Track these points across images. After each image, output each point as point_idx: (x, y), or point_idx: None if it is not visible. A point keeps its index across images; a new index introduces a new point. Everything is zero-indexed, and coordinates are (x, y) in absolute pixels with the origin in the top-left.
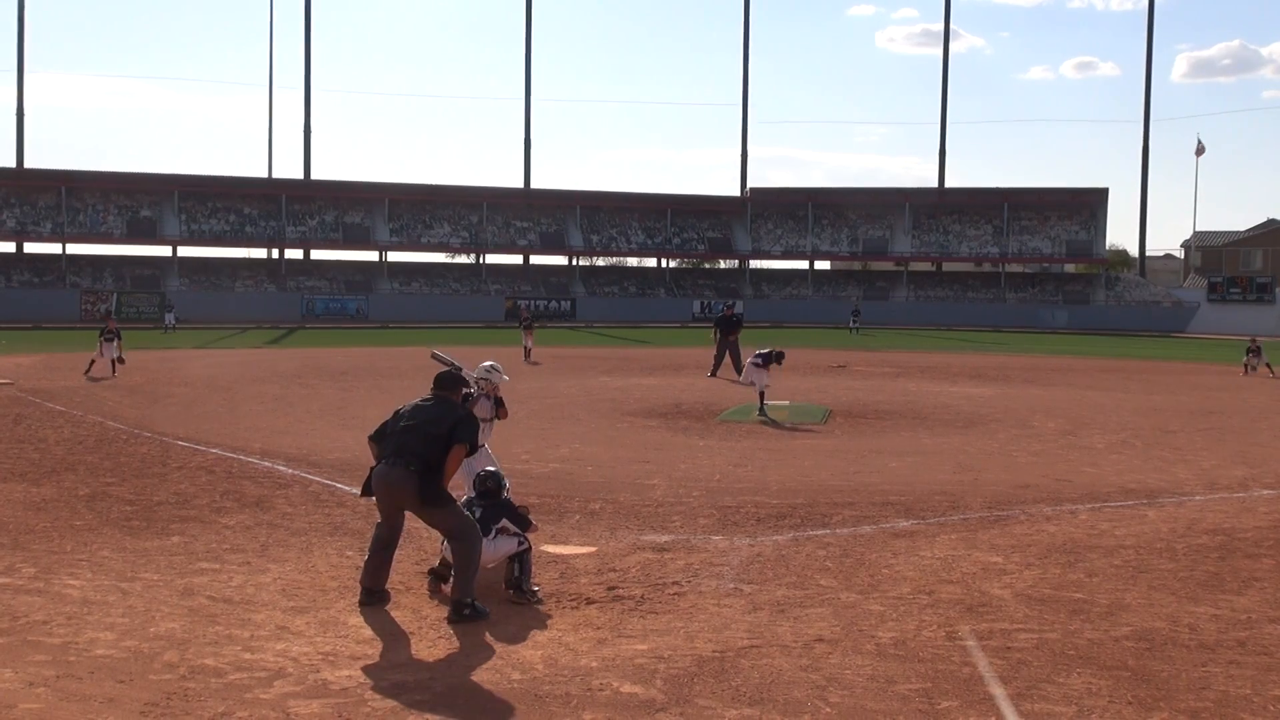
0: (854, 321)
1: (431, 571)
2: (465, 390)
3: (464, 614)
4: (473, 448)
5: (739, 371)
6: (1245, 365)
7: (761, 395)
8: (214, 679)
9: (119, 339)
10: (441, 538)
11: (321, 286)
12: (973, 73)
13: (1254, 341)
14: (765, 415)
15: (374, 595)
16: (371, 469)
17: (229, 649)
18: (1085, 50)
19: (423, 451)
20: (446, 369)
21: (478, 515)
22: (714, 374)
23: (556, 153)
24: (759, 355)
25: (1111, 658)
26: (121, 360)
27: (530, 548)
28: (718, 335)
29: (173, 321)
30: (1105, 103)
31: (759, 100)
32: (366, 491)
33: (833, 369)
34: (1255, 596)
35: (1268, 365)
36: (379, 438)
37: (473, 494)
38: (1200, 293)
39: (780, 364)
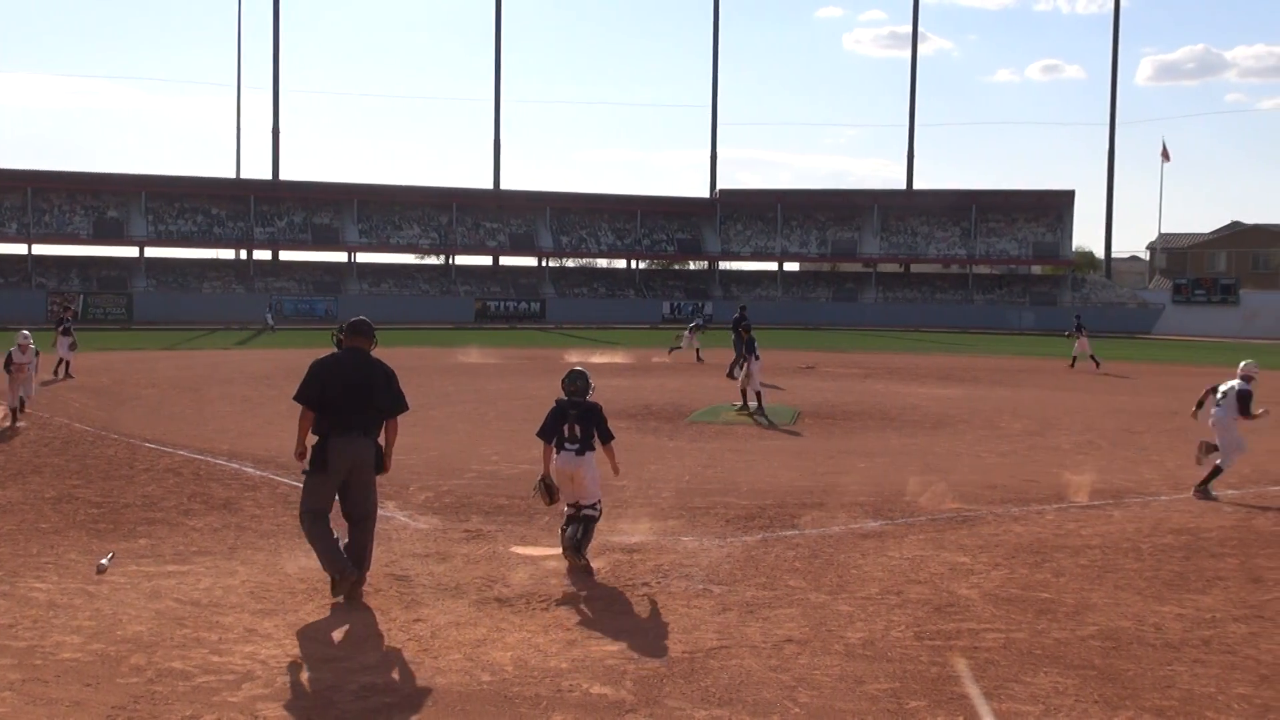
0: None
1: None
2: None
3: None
4: (406, 407)
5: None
6: (1087, 356)
7: (759, 395)
8: (182, 682)
9: (73, 335)
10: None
11: (290, 288)
12: (940, 75)
13: (1077, 319)
14: (765, 416)
15: (347, 582)
16: (318, 442)
17: (197, 652)
18: (1051, 53)
19: (374, 420)
20: (359, 317)
21: (574, 418)
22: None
23: (526, 154)
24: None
25: (1078, 657)
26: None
27: (600, 516)
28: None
29: (272, 320)
30: (1071, 105)
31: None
32: (318, 467)
33: (801, 370)
34: (1219, 596)
35: (1092, 356)
36: (321, 402)
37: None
38: (1165, 294)
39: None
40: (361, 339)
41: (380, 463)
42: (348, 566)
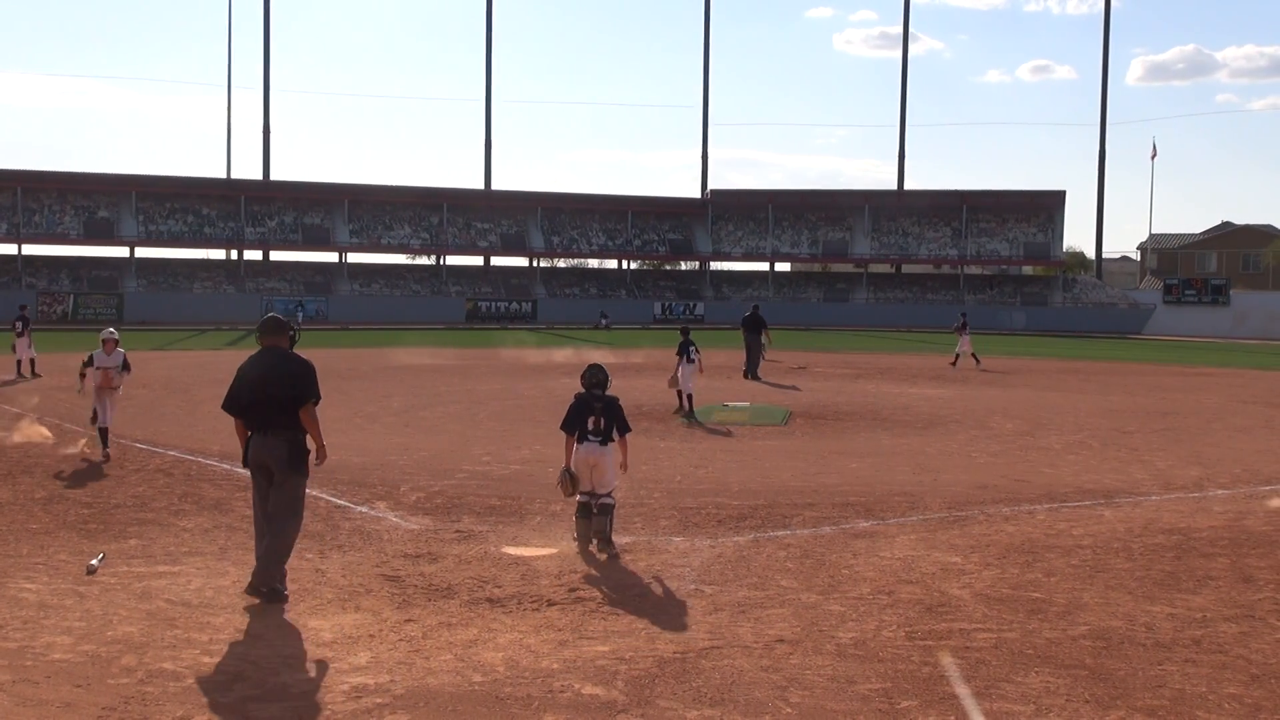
0: None
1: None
2: (291, 334)
3: (261, 592)
4: (317, 397)
5: (750, 371)
6: (967, 354)
7: (690, 399)
8: (173, 683)
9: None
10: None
11: (281, 288)
12: (931, 75)
13: (963, 316)
14: (694, 418)
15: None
16: (248, 440)
17: (188, 652)
18: (1042, 54)
19: (283, 417)
20: (271, 315)
21: (599, 411)
22: (748, 375)
23: (517, 154)
24: (694, 353)
25: (1069, 657)
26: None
27: (614, 504)
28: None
29: (302, 319)
30: (1062, 106)
31: (719, 102)
32: (247, 463)
33: (793, 370)
34: (1210, 595)
35: (971, 354)
36: (236, 407)
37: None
38: (1156, 294)
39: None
40: (275, 337)
41: (293, 458)
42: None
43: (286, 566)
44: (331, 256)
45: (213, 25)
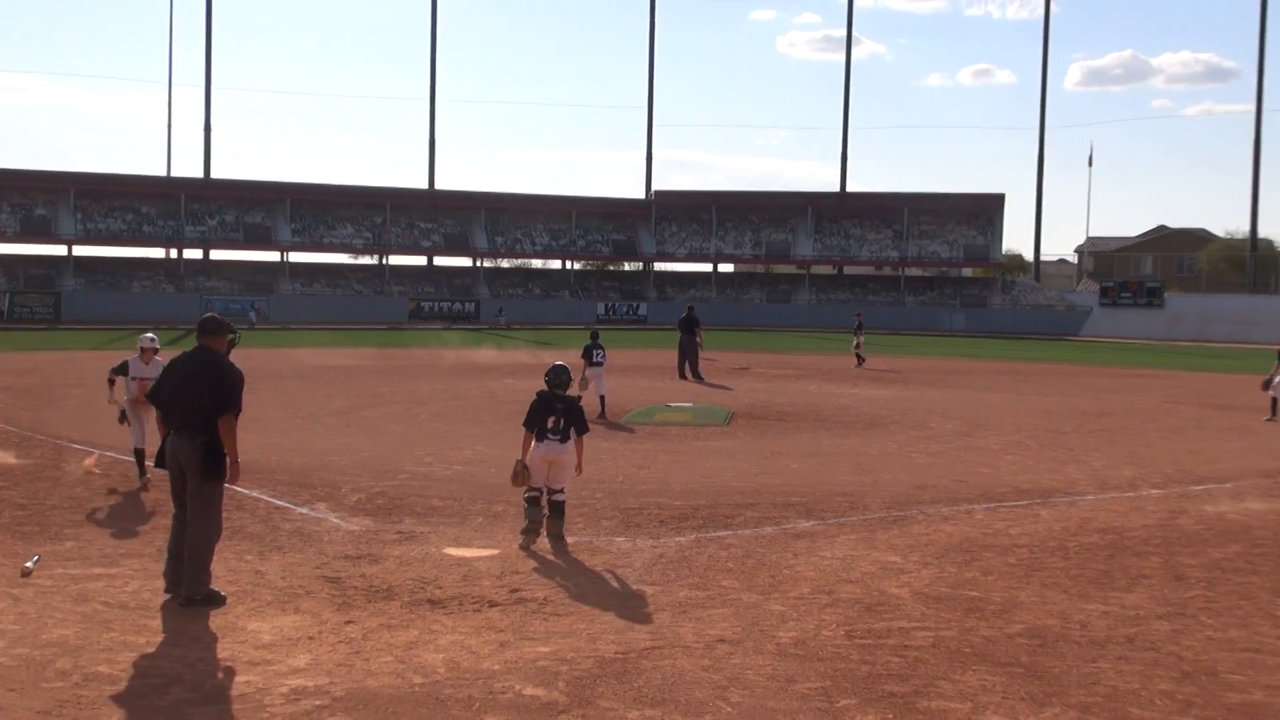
0: None
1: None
2: (230, 335)
3: (197, 601)
4: (238, 409)
5: (689, 371)
6: (857, 353)
7: (602, 399)
8: (108, 686)
9: None
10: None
11: (221, 287)
12: (873, 78)
13: (858, 317)
14: (604, 418)
15: (178, 584)
16: (165, 438)
17: (124, 655)
18: (982, 58)
19: (200, 420)
20: (211, 314)
21: (560, 411)
22: (681, 375)
23: (461, 154)
24: (599, 355)
25: (1005, 654)
26: None
27: (565, 500)
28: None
29: (255, 318)
30: (1002, 110)
31: (663, 103)
32: (160, 463)
33: (735, 371)
34: (1143, 594)
35: (857, 353)
36: (159, 401)
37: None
38: (1093, 297)
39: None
40: (210, 337)
41: (207, 463)
42: (169, 580)
43: (229, 567)
44: (273, 256)
45: (154, 22)
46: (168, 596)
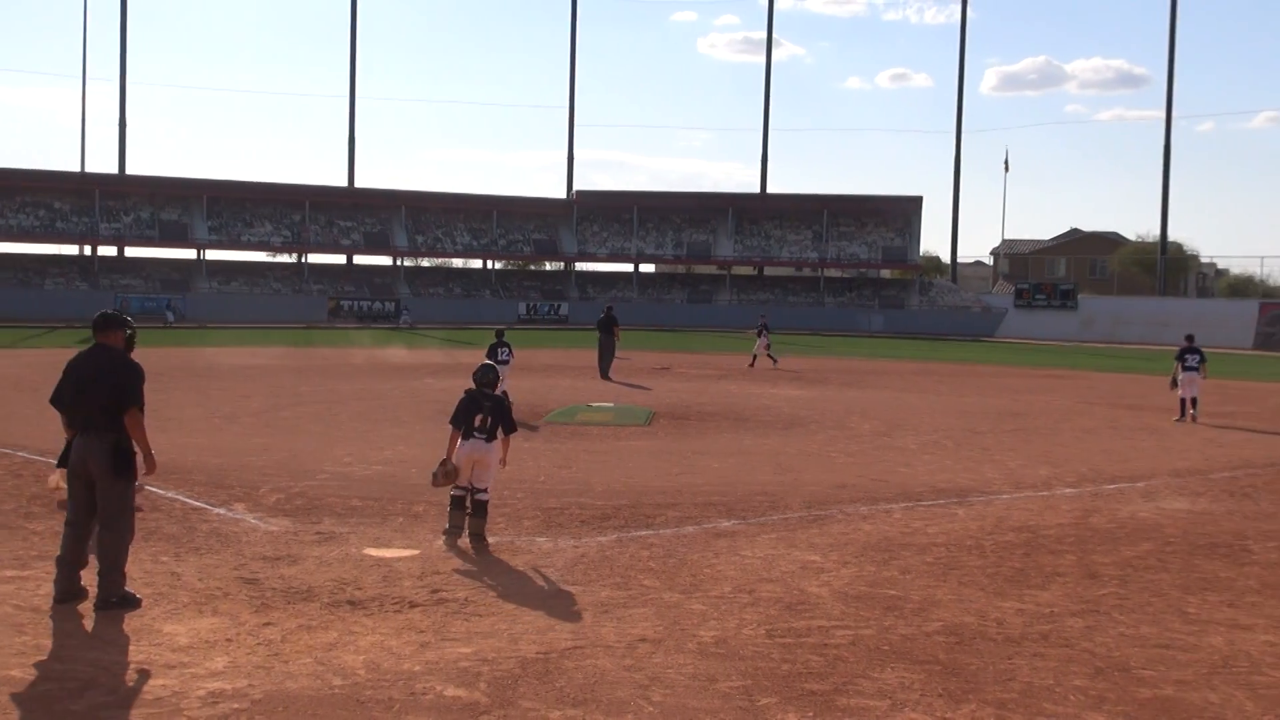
0: None
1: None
2: (128, 331)
3: (112, 604)
4: (140, 403)
5: (604, 371)
6: (760, 354)
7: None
8: (20, 690)
9: None
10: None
11: (136, 285)
12: (793, 81)
13: (762, 318)
14: None
15: (72, 595)
16: (70, 440)
17: (37, 659)
18: (900, 62)
19: (105, 418)
20: (104, 311)
21: (488, 409)
22: (603, 376)
23: (382, 152)
24: (505, 355)
25: (923, 652)
26: None
27: (489, 499)
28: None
29: (172, 317)
30: (919, 113)
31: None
32: (64, 463)
33: (656, 371)
34: (1058, 591)
35: (768, 353)
36: (62, 404)
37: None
38: (1008, 299)
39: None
40: (106, 334)
41: (117, 463)
42: (60, 589)
43: (145, 570)
44: (189, 253)
45: (68, 14)
46: (61, 605)
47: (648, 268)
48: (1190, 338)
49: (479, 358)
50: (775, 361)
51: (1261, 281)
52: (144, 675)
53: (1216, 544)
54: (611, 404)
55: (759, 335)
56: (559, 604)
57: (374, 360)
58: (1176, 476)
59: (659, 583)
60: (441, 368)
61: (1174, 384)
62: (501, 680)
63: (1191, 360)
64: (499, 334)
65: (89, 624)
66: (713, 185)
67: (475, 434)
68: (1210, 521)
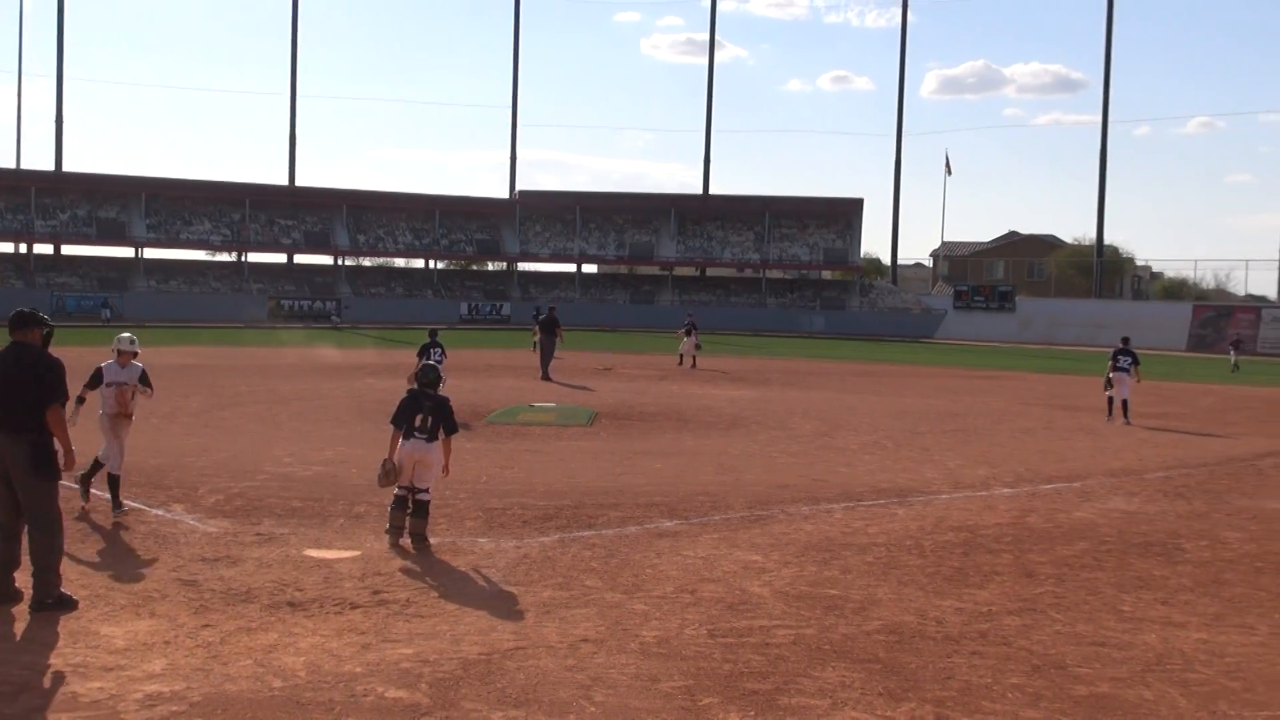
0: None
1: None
2: (45, 330)
3: (47, 605)
4: (63, 399)
5: (545, 372)
6: (685, 354)
7: None
8: None
9: None
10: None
11: (73, 283)
12: (735, 82)
13: (689, 318)
14: None
15: (6, 597)
16: None
17: None
18: (841, 64)
19: (25, 416)
20: (21, 309)
21: (428, 409)
22: (545, 377)
23: (323, 151)
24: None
25: (864, 651)
26: None
27: (430, 499)
28: (539, 337)
29: (109, 315)
30: (860, 116)
31: (527, 103)
32: None
33: (599, 371)
34: (996, 590)
35: (689, 354)
36: None
37: (414, 385)
38: (947, 300)
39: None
40: (23, 331)
41: (38, 462)
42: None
43: (81, 571)
44: (127, 252)
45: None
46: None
47: (590, 268)
48: (1125, 340)
49: (411, 358)
50: (694, 363)
51: (1195, 284)
52: (80, 678)
53: (1151, 543)
54: (554, 404)
55: (686, 335)
56: (501, 604)
57: (303, 360)
58: (1112, 476)
59: (601, 583)
60: (384, 368)
61: (1107, 384)
62: (443, 681)
63: (1123, 361)
64: (432, 334)
65: (23, 626)
66: (655, 186)
67: (416, 434)
68: (1145, 521)
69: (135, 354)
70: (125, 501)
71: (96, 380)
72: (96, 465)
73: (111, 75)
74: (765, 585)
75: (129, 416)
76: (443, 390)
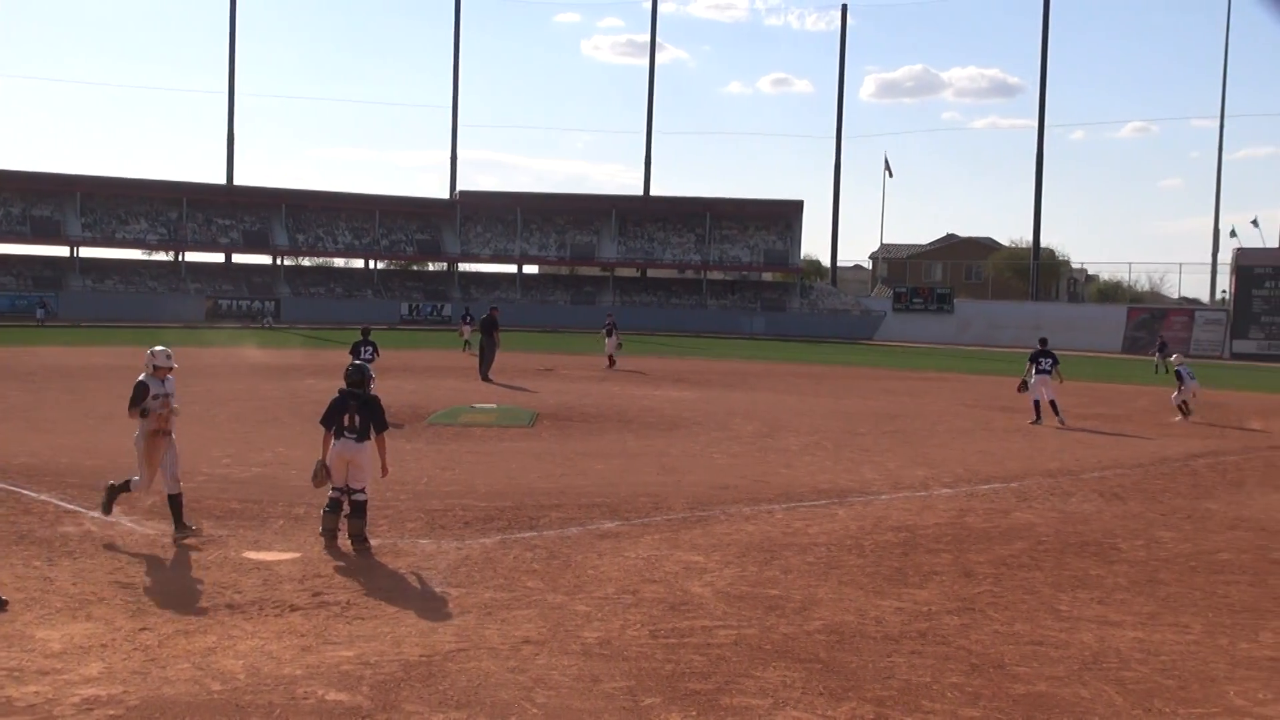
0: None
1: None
2: None
3: None
4: None
5: (484, 373)
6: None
7: None
8: None
9: None
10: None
11: (7, 283)
12: (676, 84)
13: (609, 318)
14: None
15: None
16: None
17: None
18: (781, 67)
19: None
20: None
21: (355, 408)
22: (483, 378)
23: (261, 150)
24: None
25: (805, 651)
26: None
27: (367, 499)
28: (481, 338)
29: (43, 315)
30: (800, 119)
31: (468, 104)
32: None
33: (540, 372)
34: (935, 589)
35: (614, 353)
36: None
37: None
38: (887, 302)
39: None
40: None
41: None
42: None
43: (16, 574)
44: (62, 251)
45: None
46: None
47: (531, 269)
48: (1044, 341)
49: (344, 357)
50: (612, 362)
51: (1130, 287)
52: (15, 682)
53: (1087, 543)
54: (495, 405)
55: (608, 335)
56: (442, 606)
57: (228, 360)
58: (1048, 477)
59: (543, 584)
60: (323, 368)
61: (1023, 387)
62: (384, 683)
63: (1045, 364)
64: (364, 332)
65: None
66: (596, 187)
67: (346, 433)
68: (1081, 521)
69: (172, 368)
70: (188, 523)
71: (143, 394)
72: (175, 499)
73: (46, 72)
74: (707, 586)
75: (169, 434)
76: (380, 389)
